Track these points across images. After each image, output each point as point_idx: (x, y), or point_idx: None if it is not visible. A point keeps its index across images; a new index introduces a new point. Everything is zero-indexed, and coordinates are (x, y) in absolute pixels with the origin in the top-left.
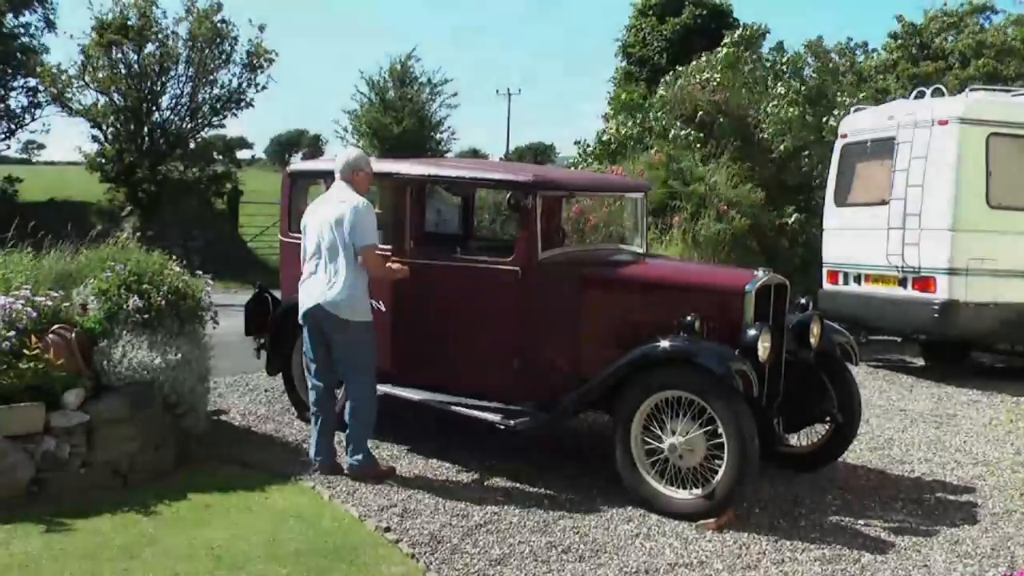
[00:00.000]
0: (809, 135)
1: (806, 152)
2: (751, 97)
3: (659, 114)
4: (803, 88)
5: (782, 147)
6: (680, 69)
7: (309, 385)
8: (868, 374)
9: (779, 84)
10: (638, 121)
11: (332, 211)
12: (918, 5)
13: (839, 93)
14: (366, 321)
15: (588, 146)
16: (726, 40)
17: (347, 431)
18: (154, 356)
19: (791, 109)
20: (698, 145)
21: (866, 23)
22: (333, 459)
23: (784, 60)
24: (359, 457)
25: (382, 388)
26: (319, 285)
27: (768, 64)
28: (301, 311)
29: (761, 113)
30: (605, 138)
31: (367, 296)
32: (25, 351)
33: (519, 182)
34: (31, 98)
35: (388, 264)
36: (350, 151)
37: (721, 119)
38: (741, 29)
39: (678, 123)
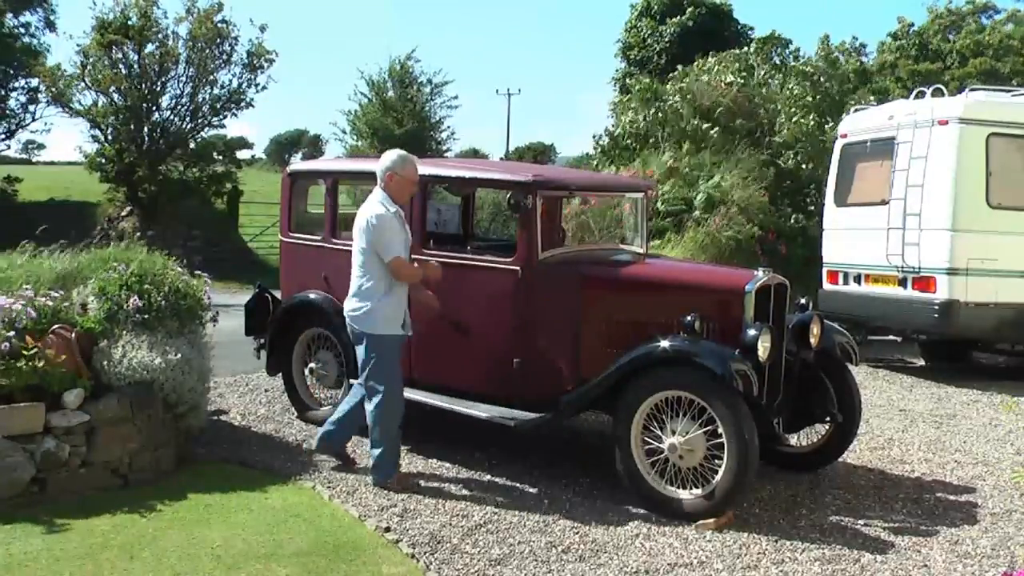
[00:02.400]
0: (821, 143)
1: (811, 162)
2: (769, 99)
3: (675, 100)
4: (816, 97)
5: (791, 154)
6: (694, 67)
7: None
8: (868, 374)
9: (792, 84)
10: (656, 109)
11: (358, 218)
12: (921, 4)
13: (848, 97)
14: (382, 335)
15: (602, 143)
16: (755, 43)
17: (369, 444)
18: (154, 356)
19: (808, 119)
20: (712, 139)
21: (867, 23)
22: (335, 448)
23: (791, 57)
24: (375, 469)
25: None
26: (347, 293)
27: (779, 65)
28: None
29: (778, 116)
30: (618, 132)
31: (389, 308)
32: (24, 351)
33: (519, 182)
34: (31, 98)
35: (419, 266)
36: (388, 153)
37: (737, 122)
38: (767, 35)
39: (695, 117)
